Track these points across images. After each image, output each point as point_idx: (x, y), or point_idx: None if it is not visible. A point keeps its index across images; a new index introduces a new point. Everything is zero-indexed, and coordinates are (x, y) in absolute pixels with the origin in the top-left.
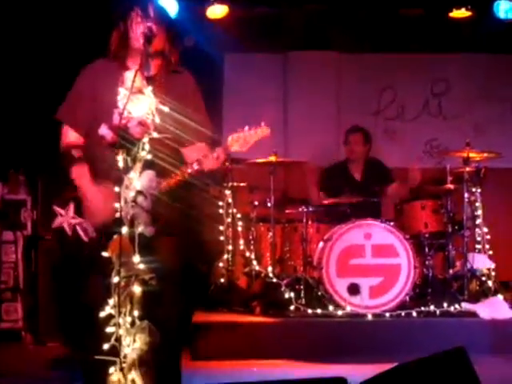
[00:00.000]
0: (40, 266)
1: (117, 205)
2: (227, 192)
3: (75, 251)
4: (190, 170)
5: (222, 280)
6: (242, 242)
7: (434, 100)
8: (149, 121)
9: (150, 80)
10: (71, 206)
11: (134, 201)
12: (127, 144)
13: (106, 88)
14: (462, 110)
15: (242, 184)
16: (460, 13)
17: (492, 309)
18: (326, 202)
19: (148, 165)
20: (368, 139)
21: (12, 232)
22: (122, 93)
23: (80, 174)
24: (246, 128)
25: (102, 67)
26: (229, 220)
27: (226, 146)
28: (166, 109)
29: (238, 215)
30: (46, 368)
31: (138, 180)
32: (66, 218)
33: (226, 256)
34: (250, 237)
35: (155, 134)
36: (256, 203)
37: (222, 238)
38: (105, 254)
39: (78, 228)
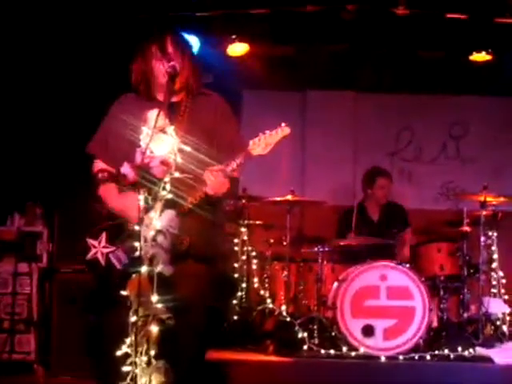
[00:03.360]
0: (54, 298)
1: (136, 244)
2: (243, 229)
3: (109, 280)
4: (231, 168)
5: (236, 317)
6: (256, 279)
7: (451, 142)
8: (171, 160)
9: (174, 105)
10: (103, 236)
11: (154, 240)
12: (148, 183)
13: (131, 124)
14: (480, 152)
15: (257, 222)
16: (480, 56)
17: (507, 354)
18: (342, 243)
19: (168, 204)
20: (392, 182)
21: (27, 264)
22: (145, 132)
23: (106, 190)
24: (267, 131)
25: (129, 102)
26: (244, 257)
27: (247, 151)
28: (187, 148)
29: (253, 253)
30: None
31: (158, 219)
32: (98, 248)
33: (239, 293)
34: (265, 275)
35: (177, 174)
36: (271, 241)
37: (236, 275)
38: (123, 292)
39: (111, 256)
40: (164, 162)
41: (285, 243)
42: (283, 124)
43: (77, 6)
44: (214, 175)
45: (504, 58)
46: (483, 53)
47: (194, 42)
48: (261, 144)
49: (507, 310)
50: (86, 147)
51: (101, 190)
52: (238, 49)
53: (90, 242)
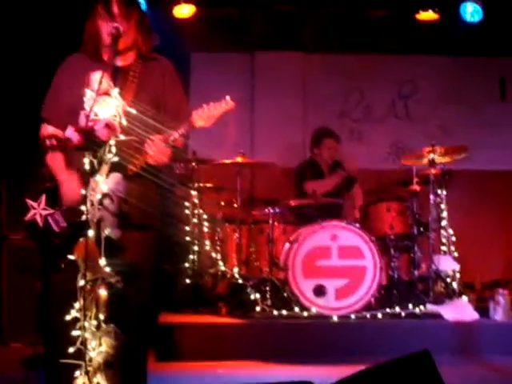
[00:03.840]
0: (4, 266)
1: (83, 207)
2: (193, 192)
3: (47, 242)
4: (172, 138)
5: (188, 281)
6: (208, 242)
7: (400, 102)
8: (116, 123)
9: (123, 70)
10: (43, 198)
11: (101, 203)
12: (94, 146)
13: (78, 85)
14: (429, 111)
15: (208, 184)
16: (427, 15)
17: (456, 310)
18: (292, 203)
19: (115, 167)
20: (339, 142)
21: None
22: (89, 94)
23: (53, 159)
24: (211, 103)
25: (76, 62)
26: (195, 220)
27: (190, 121)
28: (133, 111)
29: (205, 216)
30: (9, 368)
31: (104, 182)
32: (37, 210)
33: (191, 256)
34: (216, 237)
35: (122, 136)
36: (222, 204)
37: (188, 238)
38: (71, 256)
39: (49, 219)
40: (109, 125)
41: (235, 205)
42: (228, 97)
43: None
44: (155, 144)
45: (450, 16)
46: (430, 11)
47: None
48: (203, 116)
49: (457, 267)
50: (41, 111)
51: (48, 158)
52: (184, 10)
53: (30, 203)
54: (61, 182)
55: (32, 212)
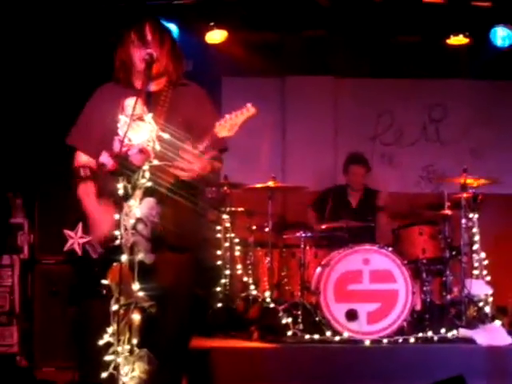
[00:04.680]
0: (36, 290)
1: (117, 232)
2: (225, 216)
3: (86, 270)
4: (200, 148)
5: (220, 305)
6: (239, 266)
7: (431, 125)
8: (149, 148)
9: (155, 95)
10: (79, 226)
11: (134, 228)
12: (127, 171)
13: (111, 113)
14: (460, 135)
15: (239, 209)
16: (457, 39)
17: (489, 335)
18: (324, 226)
19: (148, 192)
20: (368, 169)
21: (9, 256)
22: (123, 120)
23: (84, 191)
24: (233, 112)
25: (109, 91)
26: (226, 244)
27: (213, 132)
28: (166, 136)
29: (236, 240)
30: None
31: (137, 207)
32: (75, 239)
33: (223, 280)
34: (248, 261)
35: (156, 162)
36: (254, 228)
37: (219, 262)
38: (104, 281)
39: (86, 246)
40: (142, 150)
41: (267, 229)
42: (249, 104)
43: None
44: (184, 158)
45: (481, 41)
46: (460, 36)
47: (172, 30)
48: (226, 125)
49: (489, 291)
50: (66, 139)
51: (80, 189)
52: (216, 36)
53: (67, 232)
54: (90, 218)
55: (70, 242)
